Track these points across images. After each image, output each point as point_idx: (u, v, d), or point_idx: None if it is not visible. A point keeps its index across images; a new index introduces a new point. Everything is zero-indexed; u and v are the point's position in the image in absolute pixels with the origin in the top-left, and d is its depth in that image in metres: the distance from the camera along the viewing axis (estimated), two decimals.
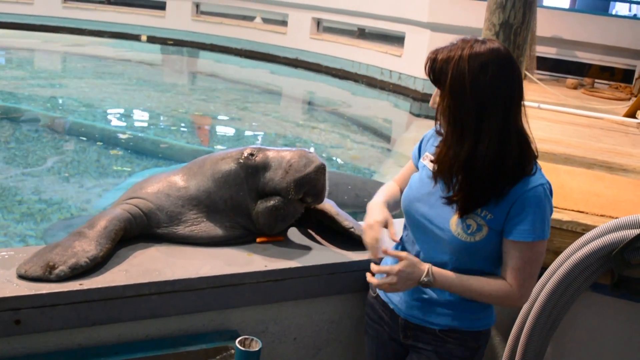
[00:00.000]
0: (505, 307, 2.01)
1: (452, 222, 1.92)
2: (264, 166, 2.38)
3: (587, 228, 2.47)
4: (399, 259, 1.95)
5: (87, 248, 2.10)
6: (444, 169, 1.91)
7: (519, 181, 1.87)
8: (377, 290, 2.22)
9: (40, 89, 10.72)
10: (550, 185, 1.93)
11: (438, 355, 2.05)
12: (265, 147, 2.47)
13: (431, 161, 2.01)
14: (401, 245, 2.15)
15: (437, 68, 1.84)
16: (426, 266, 1.94)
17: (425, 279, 1.93)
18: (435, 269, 1.94)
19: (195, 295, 2.15)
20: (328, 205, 2.62)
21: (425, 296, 2.04)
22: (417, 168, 2.18)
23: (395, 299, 2.12)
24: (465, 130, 1.81)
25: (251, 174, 2.38)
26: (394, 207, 2.23)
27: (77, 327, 2.02)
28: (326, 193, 2.42)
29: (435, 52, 1.87)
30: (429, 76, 1.89)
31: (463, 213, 1.90)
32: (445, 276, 1.94)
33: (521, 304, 2.00)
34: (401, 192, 2.20)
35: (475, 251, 1.92)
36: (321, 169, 2.33)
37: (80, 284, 2.00)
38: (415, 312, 2.06)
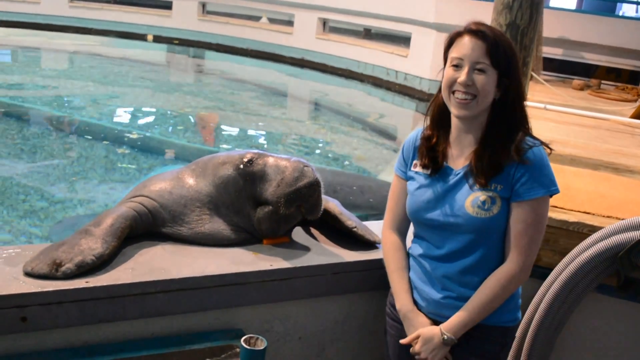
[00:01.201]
0: (518, 286, 2.06)
1: (468, 205, 1.99)
2: (261, 175, 2.36)
3: (594, 229, 2.46)
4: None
5: (93, 246, 2.11)
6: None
7: (522, 140, 1.98)
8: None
9: (46, 87, 10.74)
10: (544, 146, 2.03)
11: (465, 351, 2.07)
12: (266, 153, 2.45)
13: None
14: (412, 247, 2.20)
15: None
16: (436, 330, 2.04)
17: (444, 338, 2.02)
18: (446, 324, 2.03)
19: (201, 293, 2.16)
20: (332, 204, 2.62)
21: (454, 294, 2.07)
22: (406, 179, 2.20)
23: (423, 302, 2.14)
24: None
25: (249, 181, 2.37)
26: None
27: (83, 324, 2.03)
28: (321, 208, 2.39)
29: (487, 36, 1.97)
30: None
31: (486, 180, 1.96)
32: (458, 321, 2.02)
33: (524, 277, 2.03)
34: (403, 214, 2.22)
35: (496, 225, 1.99)
36: (314, 185, 2.30)
37: (86, 282, 2.00)
38: (445, 310, 2.08)
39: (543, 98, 6.65)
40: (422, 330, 2.07)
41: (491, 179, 1.97)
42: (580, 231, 2.51)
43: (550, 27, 9.90)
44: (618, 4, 16.76)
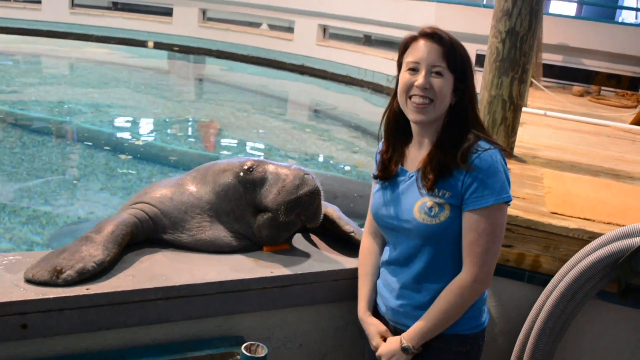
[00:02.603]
0: (474, 296, 2.01)
1: (415, 210, 1.98)
2: (262, 182, 2.37)
3: (594, 236, 2.47)
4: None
5: (94, 253, 2.11)
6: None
7: (472, 146, 1.95)
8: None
9: (47, 94, 10.75)
10: (500, 150, 1.99)
11: (423, 359, 2.06)
12: (266, 160, 2.46)
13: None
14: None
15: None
16: (396, 344, 2.04)
17: (404, 346, 2.02)
18: (406, 333, 2.03)
19: (202, 300, 2.16)
20: (330, 209, 2.63)
21: (409, 302, 2.07)
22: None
23: (384, 308, 2.17)
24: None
25: (249, 189, 2.38)
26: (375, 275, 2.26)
27: (83, 331, 2.03)
28: (321, 216, 2.40)
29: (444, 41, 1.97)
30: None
31: (432, 184, 1.95)
32: (417, 330, 2.01)
33: (481, 285, 1.98)
34: None
35: (444, 233, 1.97)
36: (314, 193, 2.31)
37: (87, 289, 2.00)
38: (401, 318, 2.10)
39: (543, 104, 6.66)
40: (384, 338, 2.11)
41: (436, 184, 1.95)
42: (580, 238, 2.51)
43: (550, 33, 9.92)
44: (618, 11, 16.80)
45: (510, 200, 1.96)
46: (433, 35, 1.96)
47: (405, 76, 1.99)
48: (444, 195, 1.95)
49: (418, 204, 1.99)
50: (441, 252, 2.00)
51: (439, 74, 1.95)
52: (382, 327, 2.15)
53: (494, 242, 1.95)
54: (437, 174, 1.95)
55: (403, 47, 2.03)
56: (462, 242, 1.97)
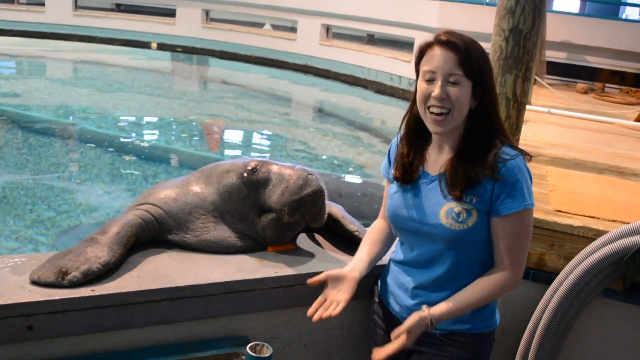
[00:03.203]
0: (506, 293, 2.04)
1: (442, 216, 1.97)
2: (265, 183, 2.37)
3: (599, 233, 2.46)
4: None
5: (99, 254, 2.11)
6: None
7: (497, 154, 1.94)
8: (380, 297, 2.26)
9: (51, 96, 10.78)
10: (523, 154, 2.00)
11: (438, 358, 2.07)
12: (270, 160, 2.45)
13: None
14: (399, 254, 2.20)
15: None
16: (425, 314, 1.97)
17: (432, 326, 1.97)
18: (434, 311, 1.97)
19: (206, 301, 2.16)
20: (334, 208, 2.63)
21: (425, 300, 2.06)
22: (390, 181, 2.21)
23: (397, 306, 2.15)
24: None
25: (253, 189, 2.38)
26: (376, 258, 2.25)
27: (88, 333, 2.03)
28: (325, 216, 2.40)
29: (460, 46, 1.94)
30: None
31: (461, 192, 1.94)
32: (445, 310, 1.98)
33: (517, 284, 2.02)
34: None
35: (470, 239, 1.97)
36: (318, 193, 2.30)
37: (92, 290, 2.01)
38: None
39: (547, 102, 6.65)
40: (412, 318, 2.00)
41: (466, 191, 1.95)
42: (585, 235, 2.50)
43: (553, 31, 9.90)
44: (621, 7, 16.75)
45: (532, 207, 1.98)
46: (447, 43, 1.93)
47: (422, 86, 1.97)
48: (471, 201, 1.95)
49: (444, 209, 1.97)
50: (464, 257, 2.00)
51: (455, 83, 1.92)
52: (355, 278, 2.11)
53: (527, 243, 2.00)
54: (466, 184, 1.94)
55: (419, 54, 2.01)
56: (497, 245, 1.97)
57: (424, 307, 1.99)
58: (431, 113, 1.95)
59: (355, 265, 2.17)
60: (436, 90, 1.92)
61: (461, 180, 1.94)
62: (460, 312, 1.99)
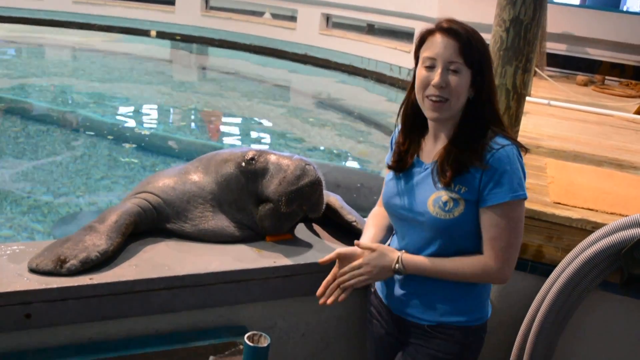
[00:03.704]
0: (488, 283, 2.04)
1: (430, 204, 1.97)
2: (263, 173, 2.36)
3: (597, 226, 2.46)
4: (370, 251, 2.03)
5: (97, 242, 2.11)
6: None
7: (488, 143, 1.93)
8: (375, 287, 2.26)
9: (49, 84, 10.75)
10: (517, 146, 1.97)
11: (426, 350, 2.07)
12: (268, 150, 2.45)
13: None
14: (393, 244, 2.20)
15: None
16: (396, 254, 2.01)
17: (396, 266, 2.00)
18: (407, 256, 2.00)
19: (205, 290, 2.16)
20: (333, 198, 2.63)
21: (414, 292, 2.06)
22: None
23: (389, 296, 2.15)
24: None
25: (251, 179, 2.38)
26: (382, 242, 2.23)
27: (87, 321, 2.04)
28: (323, 206, 2.40)
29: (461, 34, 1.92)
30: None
31: (450, 180, 1.93)
32: (417, 261, 1.99)
33: (502, 278, 1.98)
34: None
35: (457, 228, 1.96)
36: (315, 184, 2.30)
37: (91, 279, 2.01)
38: (406, 308, 2.09)
39: (547, 94, 6.65)
40: (382, 247, 2.06)
41: (454, 179, 1.94)
42: (583, 228, 2.50)
43: (554, 22, 9.86)
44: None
45: (526, 198, 1.94)
46: (449, 30, 1.91)
47: (421, 73, 1.96)
48: (459, 190, 1.94)
49: (433, 197, 1.97)
50: (450, 246, 1.99)
51: (455, 71, 1.91)
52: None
53: (516, 237, 1.95)
54: (454, 170, 1.93)
55: (420, 41, 1.99)
56: (483, 237, 1.95)
57: (399, 257, 2.01)
58: (429, 100, 1.95)
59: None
60: (436, 77, 1.91)
61: (451, 165, 1.94)
62: (430, 271, 1.98)
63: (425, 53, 1.96)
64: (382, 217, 2.26)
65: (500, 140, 1.94)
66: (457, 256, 1.98)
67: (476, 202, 1.94)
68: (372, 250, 2.04)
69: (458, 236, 1.98)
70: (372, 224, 2.26)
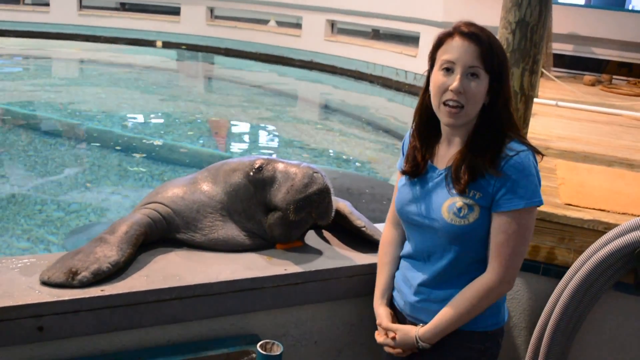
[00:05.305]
0: (499, 297, 2.02)
1: (444, 210, 1.95)
2: (271, 181, 2.36)
3: (609, 227, 2.45)
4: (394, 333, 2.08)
5: (108, 253, 2.12)
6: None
7: (503, 150, 1.91)
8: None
9: (57, 96, 10.81)
10: (533, 151, 1.95)
11: (442, 356, 2.05)
12: (276, 159, 2.45)
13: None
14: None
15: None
16: (413, 334, 2.03)
17: (420, 345, 2.02)
18: (422, 331, 2.02)
19: (216, 299, 2.16)
20: (342, 204, 2.63)
21: (428, 298, 2.05)
22: None
23: (402, 303, 2.15)
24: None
25: (260, 188, 2.38)
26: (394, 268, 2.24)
27: (99, 332, 2.04)
28: (332, 213, 2.39)
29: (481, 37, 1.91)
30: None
31: (464, 186, 1.92)
32: (434, 327, 2.00)
33: (507, 287, 1.97)
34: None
35: (471, 235, 1.94)
36: (323, 192, 2.29)
37: (102, 290, 2.01)
38: (420, 314, 2.08)
39: (554, 95, 6.62)
40: (400, 327, 2.08)
41: (469, 185, 1.92)
42: (595, 229, 2.49)
43: (559, 23, 9.84)
44: None
45: (542, 204, 1.93)
46: (470, 34, 1.88)
47: (438, 77, 1.92)
48: (474, 196, 1.92)
49: (447, 204, 1.95)
50: (465, 252, 1.98)
51: (474, 75, 1.88)
52: (391, 317, 2.15)
53: (522, 244, 1.93)
54: (469, 176, 1.91)
55: (437, 43, 1.95)
56: (491, 242, 1.94)
57: (419, 326, 2.04)
58: (445, 105, 1.92)
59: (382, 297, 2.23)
60: (455, 82, 1.87)
61: (465, 173, 1.92)
62: (453, 327, 1.99)
63: (443, 56, 1.92)
64: (395, 246, 2.24)
65: (515, 146, 1.92)
66: (470, 268, 1.99)
67: (489, 208, 1.93)
68: (394, 333, 2.08)
69: (473, 242, 1.96)
70: (385, 262, 2.24)
